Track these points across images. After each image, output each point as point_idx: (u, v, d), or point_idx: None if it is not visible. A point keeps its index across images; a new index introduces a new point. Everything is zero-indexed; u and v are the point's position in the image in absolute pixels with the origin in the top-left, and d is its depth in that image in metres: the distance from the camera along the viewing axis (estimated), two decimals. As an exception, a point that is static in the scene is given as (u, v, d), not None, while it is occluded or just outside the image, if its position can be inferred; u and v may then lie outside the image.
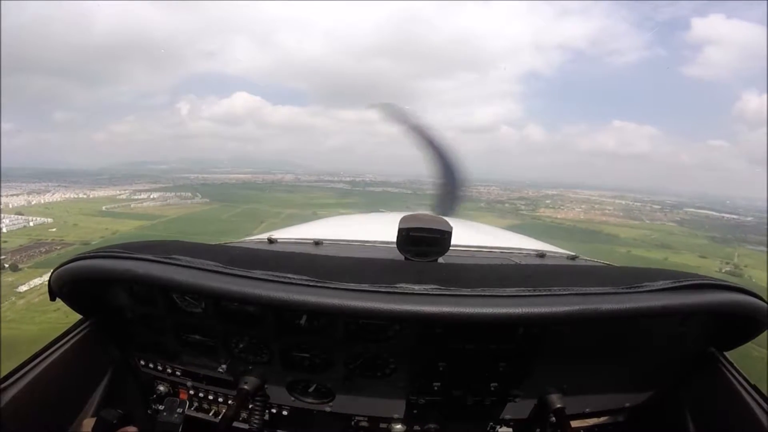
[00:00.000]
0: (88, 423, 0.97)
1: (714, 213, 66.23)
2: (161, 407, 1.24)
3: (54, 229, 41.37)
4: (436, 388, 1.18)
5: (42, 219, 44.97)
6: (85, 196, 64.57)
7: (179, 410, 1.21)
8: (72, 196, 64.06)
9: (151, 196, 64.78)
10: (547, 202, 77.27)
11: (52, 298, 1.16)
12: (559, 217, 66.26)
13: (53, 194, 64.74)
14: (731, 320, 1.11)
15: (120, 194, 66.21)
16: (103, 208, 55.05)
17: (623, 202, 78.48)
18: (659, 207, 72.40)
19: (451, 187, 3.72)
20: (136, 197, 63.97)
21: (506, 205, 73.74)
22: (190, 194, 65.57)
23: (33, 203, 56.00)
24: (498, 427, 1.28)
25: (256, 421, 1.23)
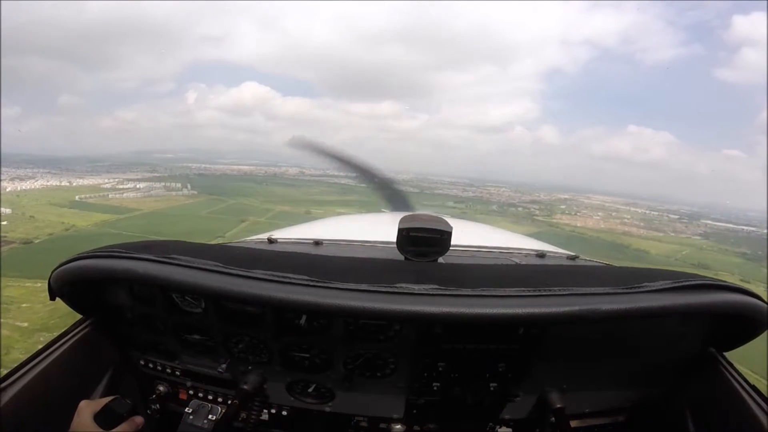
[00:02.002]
0: (86, 405, 0.96)
1: (733, 225, 63.37)
2: (189, 410, 1.21)
3: (5, 223, 35.28)
4: (436, 388, 1.18)
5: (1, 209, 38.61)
6: (67, 184, 60.38)
7: (210, 417, 1.18)
8: (55, 184, 59.27)
9: (137, 186, 58.64)
10: (562, 207, 71.57)
11: (52, 298, 1.18)
12: (578, 225, 60.48)
13: (36, 181, 59.02)
14: (731, 320, 1.12)
15: (105, 183, 60.57)
16: (77, 198, 49.87)
17: (639, 211, 73.72)
18: (677, 217, 69.91)
19: (387, 185, 3.92)
20: (121, 187, 58.40)
21: (519, 209, 67.66)
22: (180, 185, 59.58)
23: (8, 190, 50.01)
24: (498, 427, 1.29)
25: (255, 421, 1.24)
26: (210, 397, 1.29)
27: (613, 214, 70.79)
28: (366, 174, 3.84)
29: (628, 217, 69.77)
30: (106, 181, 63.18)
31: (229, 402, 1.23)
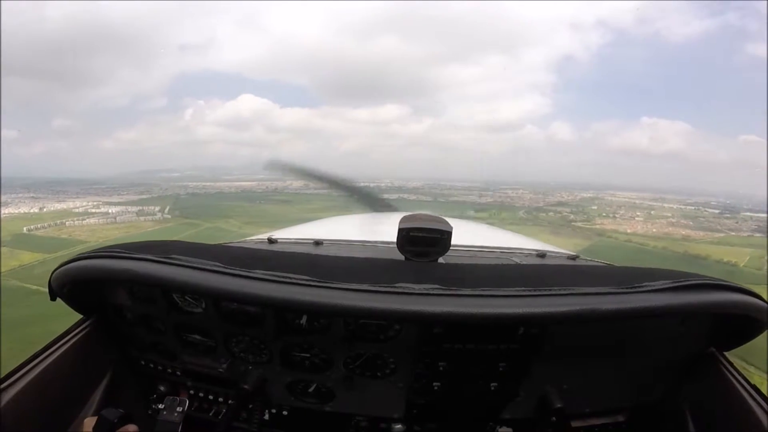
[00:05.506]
0: (89, 422, 0.96)
1: (772, 216, 58.69)
2: (161, 406, 1.24)
3: None
4: (436, 388, 1.20)
5: None
6: (37, 211, 51.37)
7: (179, 409, 1.19)
8: (23, 211, 49.99)
9: (109, 211, 49.47)
10: (593, 208, 59.66)
11: (53, 298, 1.20)
12: (628, 231, 48.81)
13: (6, 208, 49.21)
14: (731, 320, 1.15)
15: (78, 207, 51.15)
16: (24, 229, 41.13)
17: (672, 207, 62.47)
18: (718, 212, 58.18)
19: (361, 191, 3.72)
20: (93, 211, 48.91)
21: (550, 213, 55.62)
22: (157, 209, 49.99)
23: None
24: (498, 427, 1.30)
25: (255, 421, 1.27)
26: (210, 397, 1.31)
27: (652, 213, 61.12)
28: (339, 185, 3.48)
29: (670, 215, 58.92)
30: (80, 205, 54.24)
31: (230, 402, 1.26)
